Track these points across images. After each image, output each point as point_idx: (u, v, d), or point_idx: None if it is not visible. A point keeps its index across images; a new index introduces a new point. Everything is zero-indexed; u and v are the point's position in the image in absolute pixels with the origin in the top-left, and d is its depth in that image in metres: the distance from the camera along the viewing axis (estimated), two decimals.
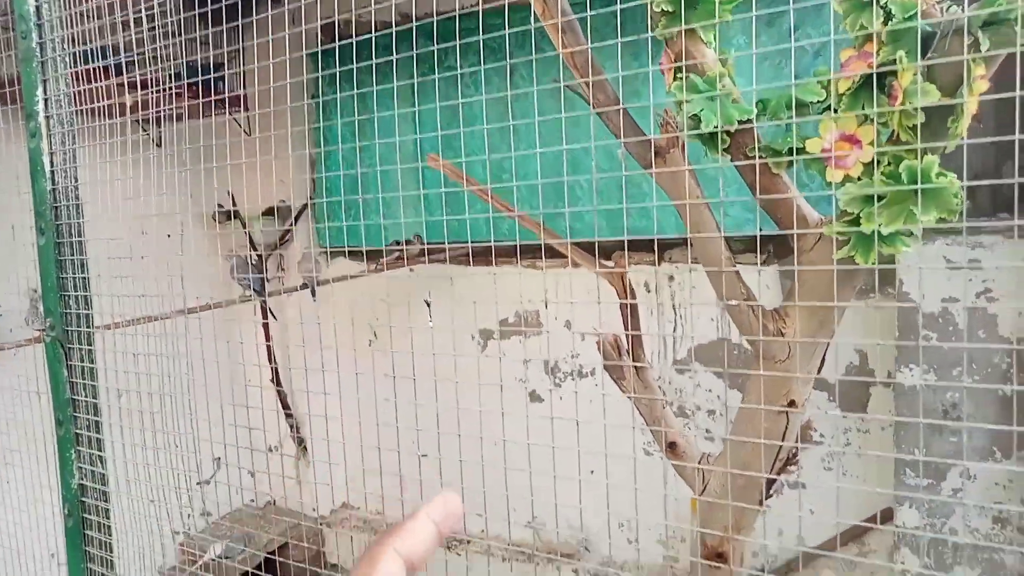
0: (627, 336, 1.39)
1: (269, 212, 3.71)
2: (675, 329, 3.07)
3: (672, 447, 1.42)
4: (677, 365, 3.06)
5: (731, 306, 1.20)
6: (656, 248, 2.96)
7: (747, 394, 1.32)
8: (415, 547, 0.40)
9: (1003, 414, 2.23)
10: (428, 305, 3.49)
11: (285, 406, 3.95)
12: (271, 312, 3.76)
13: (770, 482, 1.32)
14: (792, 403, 1.26)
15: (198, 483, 3.87)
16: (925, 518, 2.31)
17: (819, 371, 1.26)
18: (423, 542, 0.40)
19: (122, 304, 1.76)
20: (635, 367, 1.41)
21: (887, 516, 2.46)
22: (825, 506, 2.60)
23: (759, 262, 2.68)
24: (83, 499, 1.83)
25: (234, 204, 3.50)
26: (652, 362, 2.98)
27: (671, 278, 3.05)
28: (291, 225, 3.85)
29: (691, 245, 1.21)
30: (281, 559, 3.28)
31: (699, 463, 1.41)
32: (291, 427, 4.00)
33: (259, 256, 3.68)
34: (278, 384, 3.87)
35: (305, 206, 3.85)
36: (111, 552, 1.85)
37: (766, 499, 1.33)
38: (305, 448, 4.01)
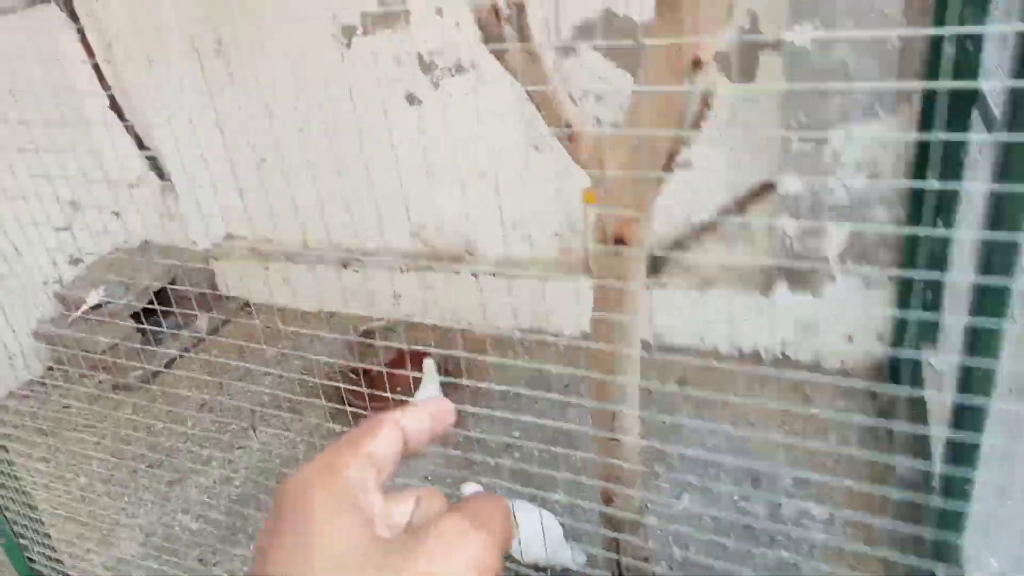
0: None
1: None
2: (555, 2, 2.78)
3: (567, 127, 1.27)
4: (559, 48, 2.83)
5: None
6: None
7: (646, 56, 1.15)
8: (414, 427, 0.36)
9: (889, 69, 2.19)
10: None
11: (135, 136, 3.54)
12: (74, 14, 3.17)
13: (672, 155, 1.21)
14: (698, 61, 1.11)
15: (56, 229, 3.56)
16: (806, 183, 2.36)
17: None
18: (421, 423, 0.37)
19: None
20: (520, 39, 1.20)
21: (770, 187, 2.51)
22: (711, 183, 2.62)
23: None
24: None
25: None
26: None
27: None
28: None
29: None
30: (162, 307, 3.13)
31: (596, 145, 1.28)
32: (147, 159, 3.62)
33: None
34: (119, 112, 3.42)
35: None
36: None
37: (668, 172, 1.24)
38: (168, 179, 3.69)
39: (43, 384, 3.07)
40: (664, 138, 1.19)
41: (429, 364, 2.57)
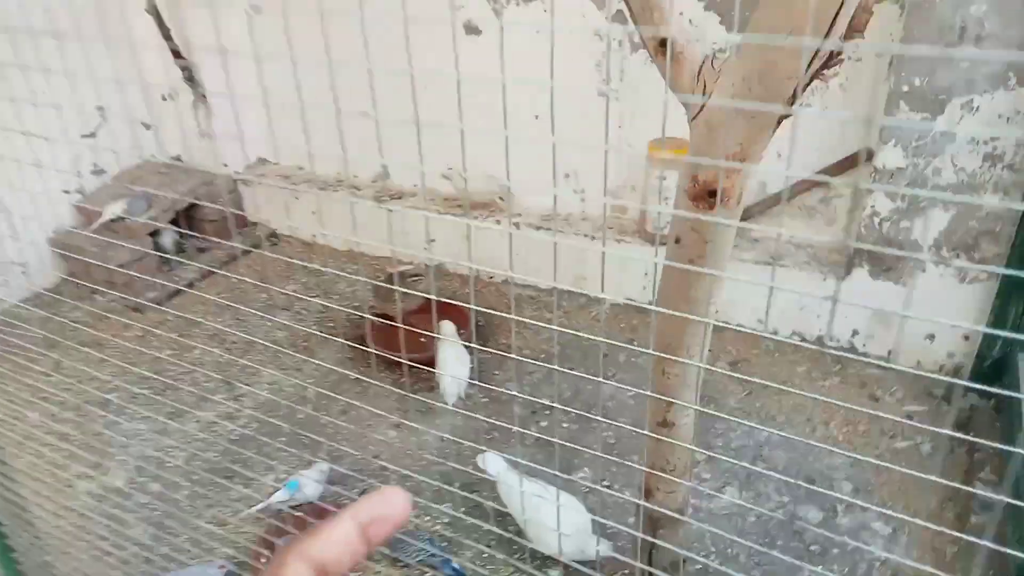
0: None
1: None
2: None
3: (664, 46, 1.01)
4: None
5: None
6: None
7: None
8: (328, 552, 0.31)
9: None
10: None
11: (169, 40, 3.32)
12: None
13: (802, 86, 0.95)
14: None
15: (83, 136, 3.38)
16: (909, 158, 2.07)
17: None
18: (339, 545, 0.31)
19: None
20: None
21: (866, 157, 2.22)
22: (794, 146, 2.33)
23: None
24: None
25: None
26: None
27: None
28: None
29: None
30: (186, 228, 2.93)
31: (700, 69, 1.02)
32: (183, 70, 3.41)
33: None
34: (158, 17, 3.20)
35: None
36: None
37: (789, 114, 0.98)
38: (204, 96, 3.47)
39: (51, 296, 2.91)
40: (791, 64, 0.93)
41: (447, 327, 2.31)
